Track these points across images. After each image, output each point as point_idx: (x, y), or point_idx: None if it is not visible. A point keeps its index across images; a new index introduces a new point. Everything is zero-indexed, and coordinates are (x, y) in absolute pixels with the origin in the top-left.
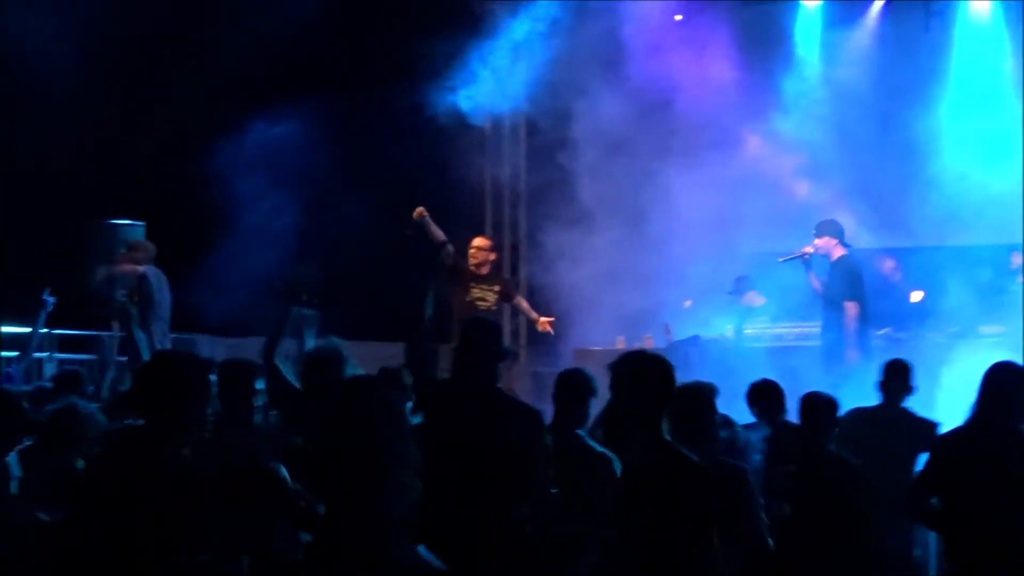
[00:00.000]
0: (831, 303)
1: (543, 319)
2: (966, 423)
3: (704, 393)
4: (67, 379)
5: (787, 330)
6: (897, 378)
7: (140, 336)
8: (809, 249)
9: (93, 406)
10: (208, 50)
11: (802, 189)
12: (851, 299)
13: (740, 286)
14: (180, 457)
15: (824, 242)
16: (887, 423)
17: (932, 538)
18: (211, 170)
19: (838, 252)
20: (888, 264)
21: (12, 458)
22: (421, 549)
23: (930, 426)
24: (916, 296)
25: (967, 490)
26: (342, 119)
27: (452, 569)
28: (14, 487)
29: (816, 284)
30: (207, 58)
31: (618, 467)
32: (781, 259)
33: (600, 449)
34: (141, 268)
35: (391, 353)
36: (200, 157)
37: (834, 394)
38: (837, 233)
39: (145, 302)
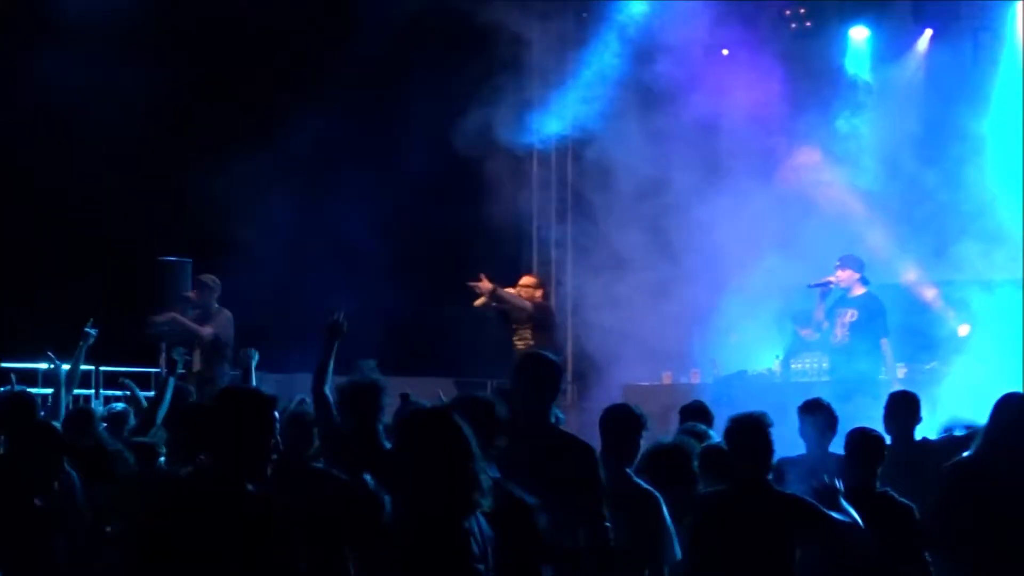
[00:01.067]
0: (864, 337)
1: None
2: (978, 451)
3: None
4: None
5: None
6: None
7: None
8: (833, 279)
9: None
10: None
11: (855, 220)
12: (886, 336)
13: (798, 320)
14: (258, 493)
15: (847, 275)
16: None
17: None
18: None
19: (858, 287)
20: (929, 293)
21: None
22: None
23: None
24: (963, 330)
25: (981, 517)
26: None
27: None
28: None
29: (820, 315)
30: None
31: (663, 505)
32: (812, 284)
33: (646, 487)
34: (225, 311)
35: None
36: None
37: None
38: (859, 268)
39: (224, 343)
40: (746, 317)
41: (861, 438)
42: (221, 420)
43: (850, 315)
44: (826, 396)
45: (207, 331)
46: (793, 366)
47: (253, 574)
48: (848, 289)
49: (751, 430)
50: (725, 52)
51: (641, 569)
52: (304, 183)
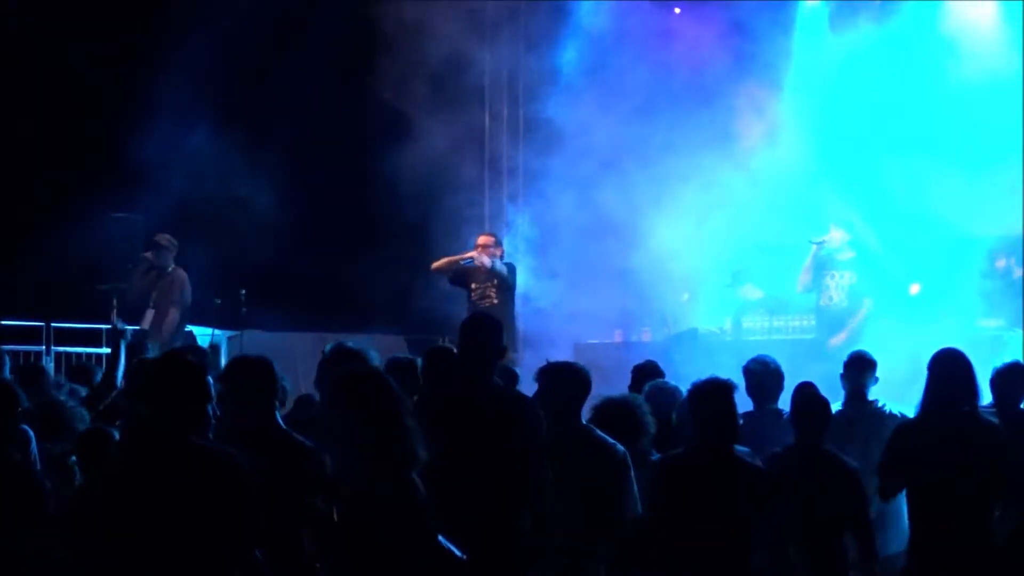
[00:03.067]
0: (858, 300)
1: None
2: (920, 410)
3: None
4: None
5: (784, 323)
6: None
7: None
8: (826, 239)
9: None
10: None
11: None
12: (868, 297)
13: (737, 279)
14: (207, 444)
15: (840, 236)
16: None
17: None
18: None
19: (848, 249)
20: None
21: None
22: (441, 538)
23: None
24: (914, 289)
25: (926, 475)
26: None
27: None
28: None
29: (807, 277)
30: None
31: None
32: (813, 240)
33: (612, 440)
34: (180, 271)
35: (390, 345)
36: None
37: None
38: (850, 229)
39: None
40: (697, 277)
41: (805, 396)
42: (158, 386)
43: (848, 277)
44: (802, 354)
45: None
46: (744, 325)
47: (212, 525)
48: (838, 250)
49: (714, 396)
50: (677, 11)
51: (604, 522)
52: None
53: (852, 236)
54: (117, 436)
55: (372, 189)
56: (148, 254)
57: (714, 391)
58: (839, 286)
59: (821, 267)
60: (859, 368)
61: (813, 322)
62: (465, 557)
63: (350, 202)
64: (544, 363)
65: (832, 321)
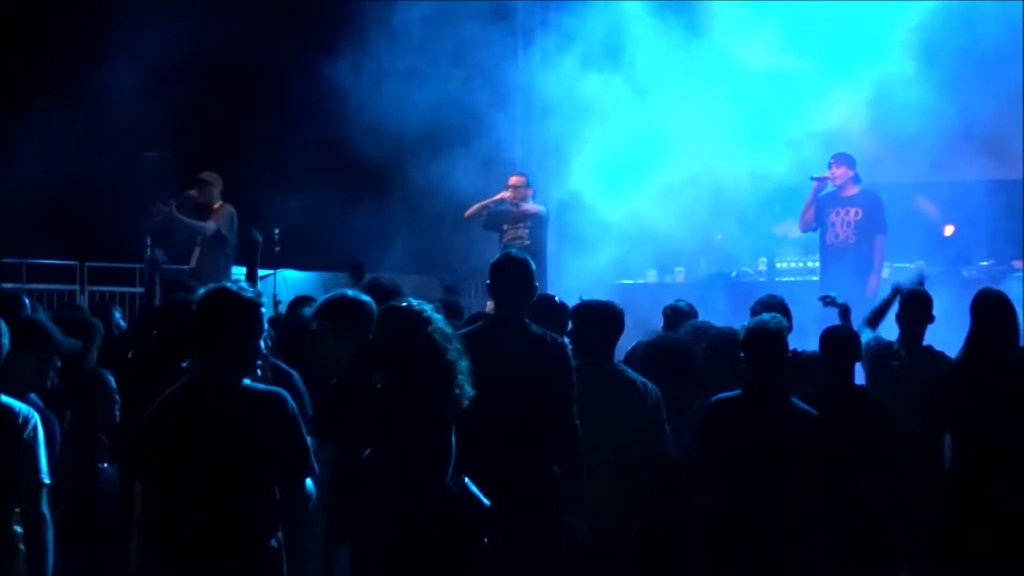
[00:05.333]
0: (868, 235)
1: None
2: (964, 352)
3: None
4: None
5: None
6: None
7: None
8: (828, 175)
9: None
10: None
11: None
12: (883, 233)
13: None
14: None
15: (842, 172)
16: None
17: None
18: None
19: (852, 186)
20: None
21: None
22: (467, 481)
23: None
24: (948, 230)
25: (973, 418)
26: None
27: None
28: None
29: (810, 215)
30: None
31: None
32: (814, 177)
33: (639, 379)
34: (228, 206)
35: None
36: None
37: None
38: (853, 165)
39: (224, 238)
40: (727, 215)
41: (834, 336)
42: (205, 323)
43: (855, 213)
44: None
45: (209, 226)
46: (778, 265)
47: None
48: (842, 187)
49: (767, 337)
50: None
51: (637, 465)
52: None
53: (855, 171)
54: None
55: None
56: (192, 191)
57: (767, 335)
58: (844, 222)
59: (825, 204)
60: (915, 309)
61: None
62: (489, 503)
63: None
64: (578, 301)
65: (838, 259)
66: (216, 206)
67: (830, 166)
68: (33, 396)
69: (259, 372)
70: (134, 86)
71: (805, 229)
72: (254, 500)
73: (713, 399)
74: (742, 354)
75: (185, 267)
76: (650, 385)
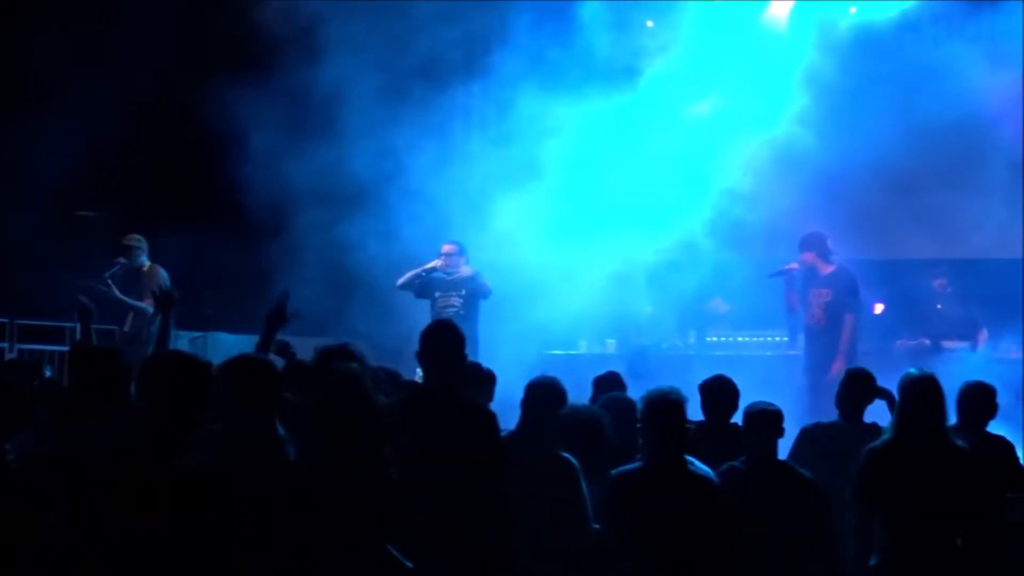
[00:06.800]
0: (839, 316)
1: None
2: (893, 434)
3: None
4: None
5: (749, 339)
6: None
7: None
8: (795, 265)
9: None
10: None
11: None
12: (852, 313)
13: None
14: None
15: (811, 257)
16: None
17: None
18: None
19: (825, 265)
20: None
21: None
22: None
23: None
24: (878, 308)
25: (900, 499)
26: None
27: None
28: None
29: (795, 301)
30: None
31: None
32: (770, 275)
33: (567, 455)
34: (158, 269)
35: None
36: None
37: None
38: (819, 245)
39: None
40: (664, 292)
41: (756, 412)
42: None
43: (825, 294)
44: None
45: (149, 307)
46: (708, 339)
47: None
48: (815, 268)
49: (664, 407)
50: None
51: (565, 538)
52: None
53: (822, 249)
54: None
55: None
56: (120, 259)
57: (663, 404)
58: (818, 304)
59: (805, 284)
60: (856, 388)
61: (777, 338)
62: (411, 566)
63: None
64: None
65: (815, 340)
66: (145, 268)
67: (799, 252)
68: None
69: None
70: (66, 145)
71: (791, 313)
72: None
73: (614, 472)
74: (638, 425)
75: (116, 328)
76: (571, 457)
